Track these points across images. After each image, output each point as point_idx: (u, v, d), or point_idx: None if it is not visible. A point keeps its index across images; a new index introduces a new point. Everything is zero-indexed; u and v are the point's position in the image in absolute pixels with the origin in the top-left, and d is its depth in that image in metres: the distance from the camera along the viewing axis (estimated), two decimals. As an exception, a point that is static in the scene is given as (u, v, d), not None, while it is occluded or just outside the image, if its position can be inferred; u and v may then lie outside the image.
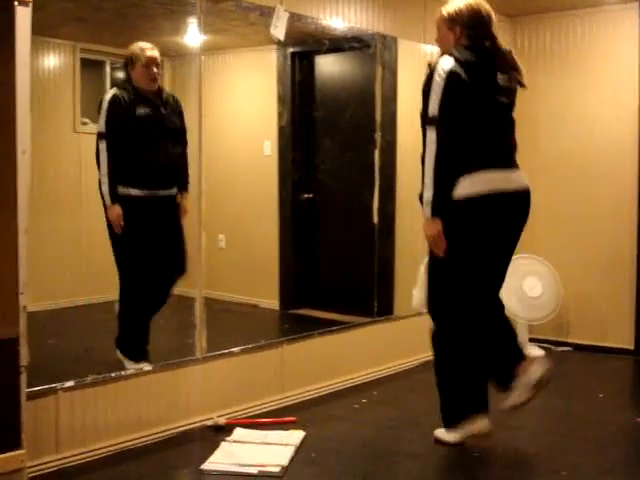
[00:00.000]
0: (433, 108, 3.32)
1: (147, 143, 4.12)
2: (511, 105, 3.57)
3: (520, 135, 3.67)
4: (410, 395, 4.60)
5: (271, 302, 5.87)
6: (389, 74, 5.19)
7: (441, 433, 3.69)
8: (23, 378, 3.19)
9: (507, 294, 5.49)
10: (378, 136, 5.16)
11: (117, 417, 3.64)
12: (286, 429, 3.88)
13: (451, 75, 3.31)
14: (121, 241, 4.08)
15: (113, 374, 3.68)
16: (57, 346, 4.26)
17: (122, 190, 4.04)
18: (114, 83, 4.84)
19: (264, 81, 5.96)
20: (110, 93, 4.13)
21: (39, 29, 3.26)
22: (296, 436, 3.77)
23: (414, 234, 4.78)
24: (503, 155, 3.51)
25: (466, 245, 3.42)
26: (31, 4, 3.05)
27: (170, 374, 3.88)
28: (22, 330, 3.16)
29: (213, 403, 4.03)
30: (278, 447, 3.61)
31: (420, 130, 3.43)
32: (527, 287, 5.52)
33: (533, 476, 3.40)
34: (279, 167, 5.86)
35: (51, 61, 4.91)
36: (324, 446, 3.69)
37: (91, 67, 5.03)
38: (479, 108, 3.40)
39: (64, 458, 3.42)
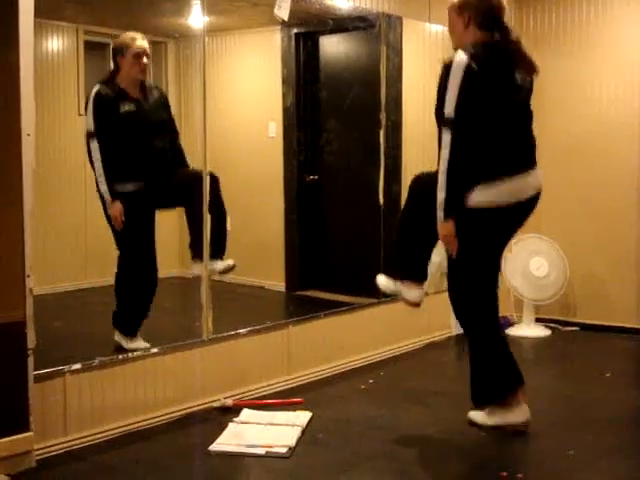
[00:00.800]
0: (449, 108, 3.20)
1: (134, 140, 4.06)
2: (528, 100, 3.47)
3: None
4: (416, 376, 4.60)
5: (277, 283, 5.86)
6: (394, 54, 5.16)
7: (480, 416, 3.57)
8: (30, 361, 3.21)
9: (514, 274, 5.52)
10: (383, 116, 5.13)
11: (124, 399, 3.65)
12: (293, 410, 3.89)
13: (468, 72, 3.18)
14: (121, 230, 4.07)
15: (120, 356, 3.69)
16: (63, 329, 4.27)
17: (119, 187, 4.01)
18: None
19: (268, 62, 5.93)
20: (94, 90, 4.04)
21: (42, 12, 3.25)
22: (303, 417, 3.77)
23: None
24: (522, 156, 3.42)
25: (477, 250, 3.41)
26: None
27: (177, 356, 3.88)
28: (29, 313, 3.18)
29: (220, 384, 4.04)
30: (285, 428, 3.62)
31: (428, 125, 3.38)
32: (534, 267, 5.50)
33: (541, 455, 3.41)
34: (284, 148, 5.83)
35: (55, 44, 4.88)
36: (331, 427, 3.70)
37: (95, 50, 5.00)
38: (497, 110, 3.29)
39: (72, 440, 3.43)
